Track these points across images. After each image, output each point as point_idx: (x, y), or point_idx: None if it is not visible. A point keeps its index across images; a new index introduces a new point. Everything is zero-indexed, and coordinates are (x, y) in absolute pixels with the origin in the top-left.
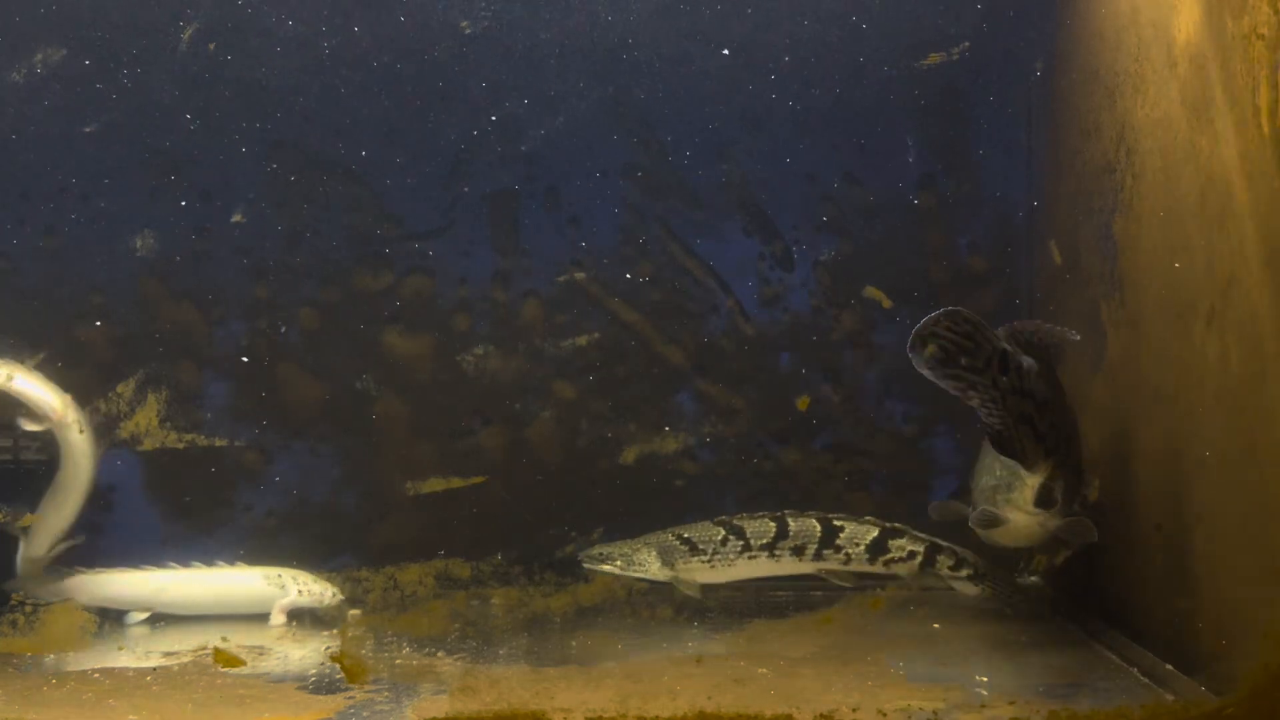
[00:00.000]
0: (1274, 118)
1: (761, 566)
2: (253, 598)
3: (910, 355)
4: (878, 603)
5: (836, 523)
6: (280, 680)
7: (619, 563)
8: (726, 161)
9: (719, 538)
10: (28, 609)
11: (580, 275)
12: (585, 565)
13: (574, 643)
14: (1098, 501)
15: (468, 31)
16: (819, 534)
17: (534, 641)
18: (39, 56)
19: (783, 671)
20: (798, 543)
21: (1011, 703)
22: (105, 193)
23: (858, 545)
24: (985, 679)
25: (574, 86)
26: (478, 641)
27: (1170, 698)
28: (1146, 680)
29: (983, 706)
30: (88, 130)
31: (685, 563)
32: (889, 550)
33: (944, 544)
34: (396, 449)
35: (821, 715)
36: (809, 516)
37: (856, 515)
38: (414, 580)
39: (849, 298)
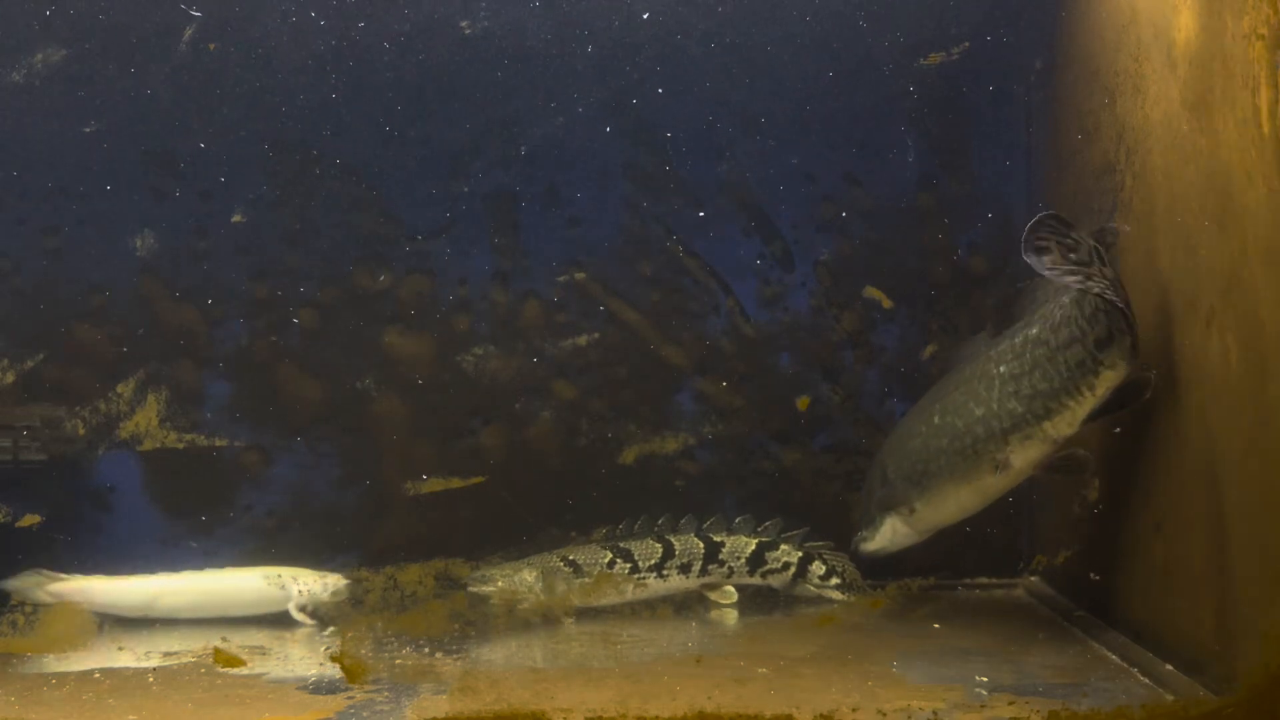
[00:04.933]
0: (1274, 118)
1: (650, 587)
2: (249, 599)
3: (1028, 259)
4: (878, 603)
5: (716, 538)
6: (280, 680)
7: (500, 584)
8: (726, 161)
9: (605, 560)
10: (28, 609)
11: (580, 275)
12: (470, 589)
13: (574, 643)
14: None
15: (468, 32)
16: (702, 551)
17: (534, 641)
18: (39, 56)
19: (783, 671)
20: (684, 560)
21: (1011, 703)
22: (105, 193)
23: (739, 559)
24: (985, 679)
25: (574, 86)
26: (478, 641)
27: (1170, 698)
28: (1146, 680)
29: (983, 706)
30: (88, 130)
31: (570, 586)
32: (766, 562)
33: (816, 553)
34: (396, 449)
35: (821, 715)
36: (689, 534)
37: (728, 522)
38: (414, 580)
39: (849, 298)
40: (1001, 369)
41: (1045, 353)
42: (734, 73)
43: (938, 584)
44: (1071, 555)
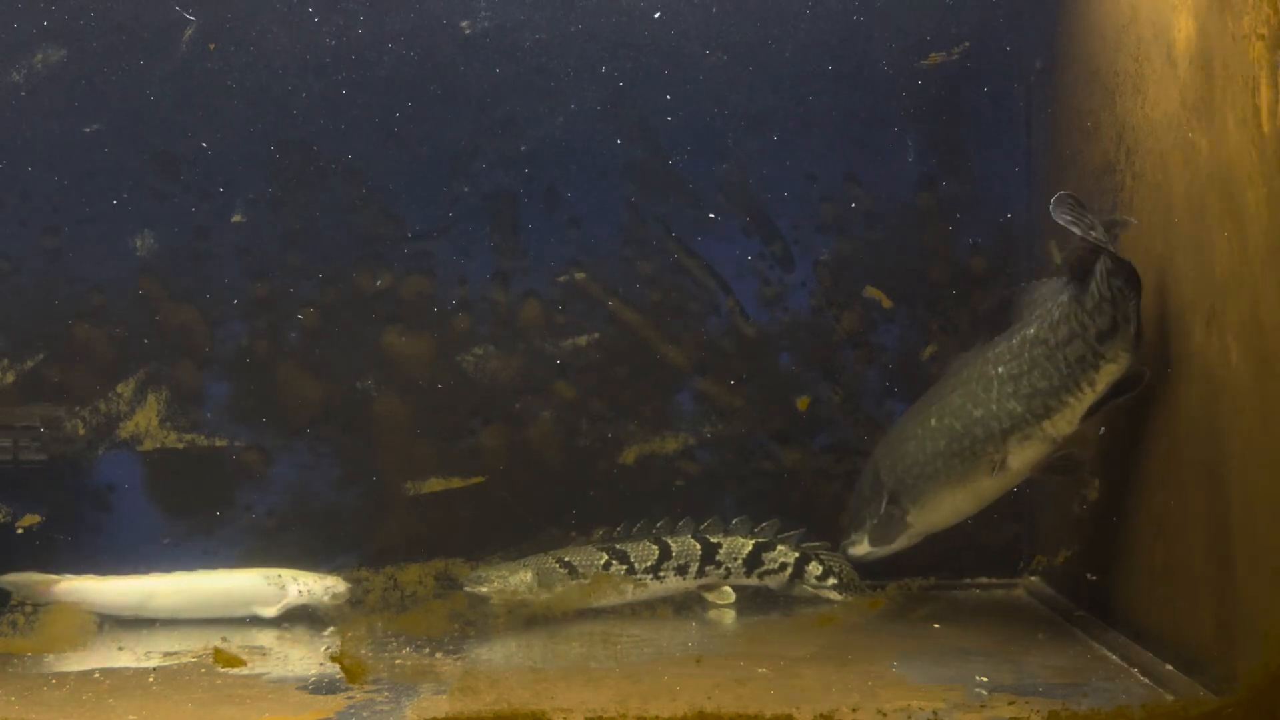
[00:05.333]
0: (1274, 118)
1: (647, 589)
2: (244, 599)
3: (1059, 219)
4: (877, 603)
5: (713, 539)
6: (280, 680)
7: (495, 584)
8: (726, 161)
9: (601, 562)
10: (28, 609)
11: (580, 275)
12: (465, 589)
13: (574, 643)
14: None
15: (468, 32)
16: (699, 552)
17: (534, 641)
18: (39, 56)
19: (783, 671)
20: (681, 562)
21: (1011, 703)
22: (105, 193)
23: (735, 559)
24: (985, 679)
25: (574, 86)
26: (478, 641)
27: (1170, 698)
28: (1146, 680)
29: (983, 706)
30: (88, 130)
31: (564, 586)
32: (763, 563)
33: (813, 554)
34: (396, 449)
35: (821, 715)
36: (686, 535)
37: (725, 523)
38: (414, 580)
39: (849, 298)
40: (1000, 370)
41: (1044, 351)
42: (734, 72)
43: (938, 584)
44: (1071, 555)
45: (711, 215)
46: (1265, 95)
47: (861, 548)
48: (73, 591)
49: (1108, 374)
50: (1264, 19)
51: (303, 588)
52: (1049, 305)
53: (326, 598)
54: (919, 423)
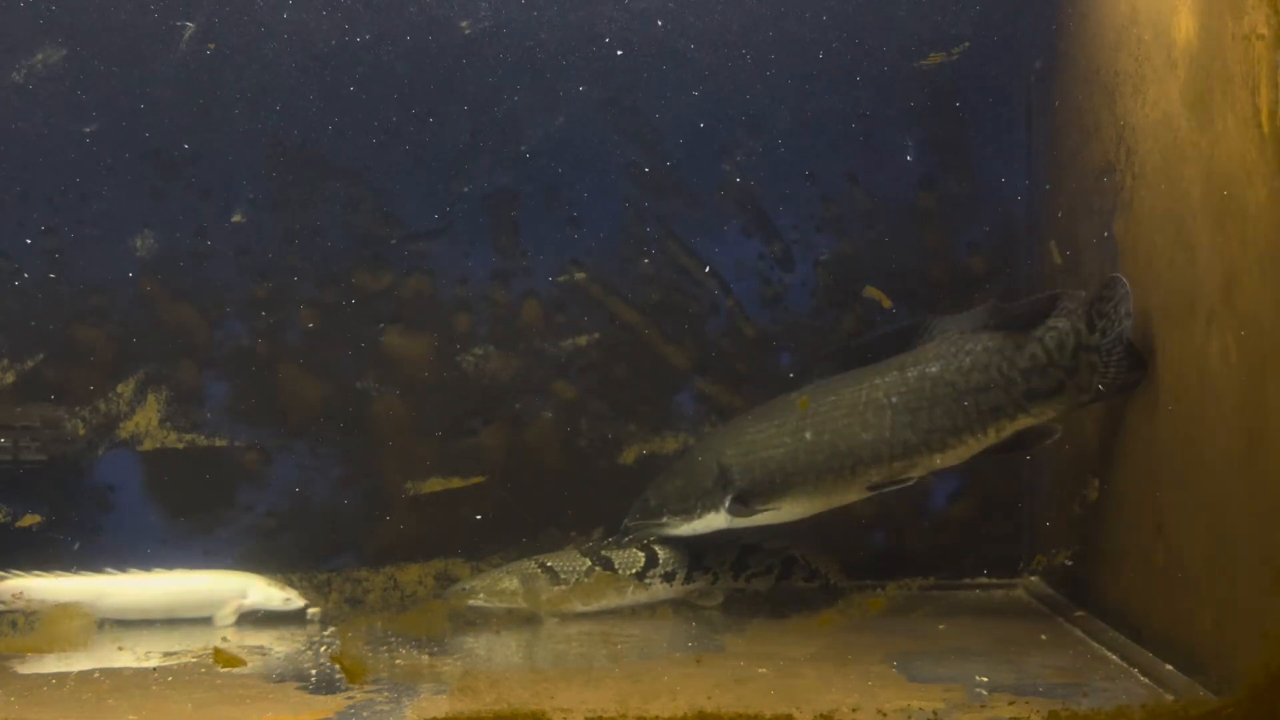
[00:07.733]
0: (1274, 118)
1: (634, 594)
2: (198, 602)
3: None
4: (877, 603)
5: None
6: (280, 680)
7: (481, 595)
8: (726, 161)
9: (584, 568)
10: (29, 609)
11: (580, 275)
12: (452, 601)
13: (574, 643)
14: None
15: (468, 32)
16: (687, 558)
17: (534, 641)
18: (39, 56)
19: (783, 671)
20: (668, 569)
21: (1011, 703)
22: (105, 193)
23: (723, 563)
24: (985, 679)
25: (574, 86)
26: (477, 641)
27: (1170, 698)
28: (1146, 680)
29: (983, 706)
30: (88, 130)
31: (548, 593)
32: (749, 566)
33: (798, 556)
34: (396, 449)
35: (821, 715)
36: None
37: None
38: (414, 580)
39: (849, 298)
40: (894, 400)
41: (951, 393)
42: (734, 72)
43: (938, 584)
44: (1071, 555)
45: (699, 212)
46: (1265, 95)
47: (680, 529)
48: (20, 591)
49: (1021, 424)
50: (1264, 19)
51: (259, 594)
52: (952, 349)
53: (280, 604)
54: (786, 432)
